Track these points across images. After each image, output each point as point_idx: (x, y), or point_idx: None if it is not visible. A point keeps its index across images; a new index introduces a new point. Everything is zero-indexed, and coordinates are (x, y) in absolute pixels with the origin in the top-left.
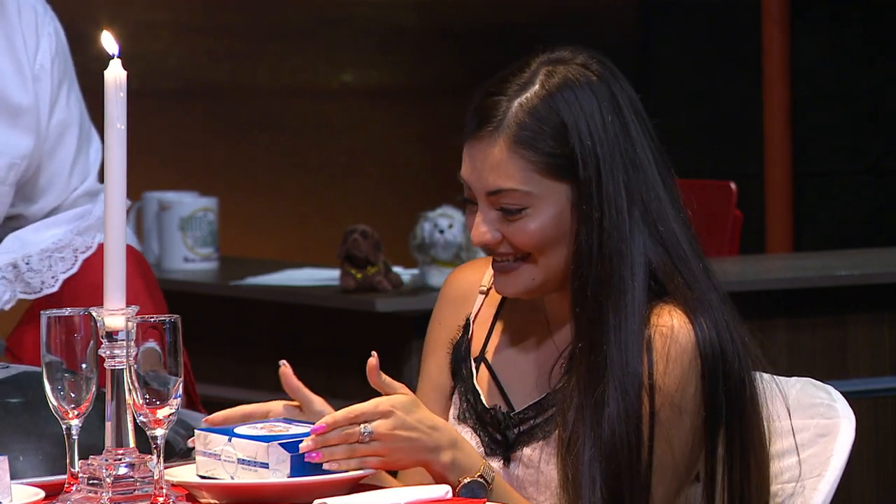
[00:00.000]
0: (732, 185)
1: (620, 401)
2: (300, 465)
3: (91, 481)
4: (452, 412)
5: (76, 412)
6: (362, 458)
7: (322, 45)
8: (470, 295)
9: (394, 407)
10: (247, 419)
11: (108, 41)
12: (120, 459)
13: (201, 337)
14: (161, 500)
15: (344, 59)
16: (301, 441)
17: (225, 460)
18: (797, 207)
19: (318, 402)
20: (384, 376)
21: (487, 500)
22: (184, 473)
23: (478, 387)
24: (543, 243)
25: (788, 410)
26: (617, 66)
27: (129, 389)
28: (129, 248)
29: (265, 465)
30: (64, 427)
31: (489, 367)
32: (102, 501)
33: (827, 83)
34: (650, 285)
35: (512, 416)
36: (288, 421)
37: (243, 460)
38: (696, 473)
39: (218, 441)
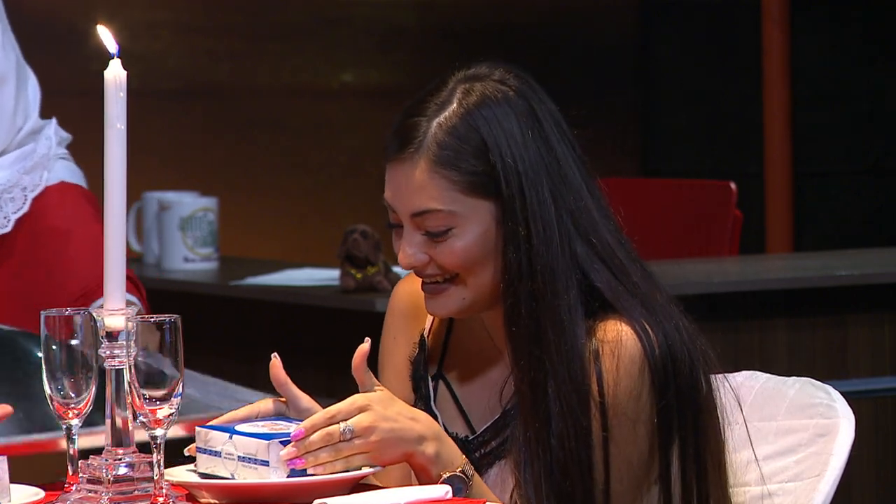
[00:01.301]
0: (732, 185)
1: (568, 417)
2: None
3: (91, 481)
4: None
5: (76, 412)
6: (347, 459)
7: (322, 45)
8: (421, 309)
9: (370, 401)
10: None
11: (107, 38)
12: (120, 459)
13: (201, 337)
14: (161, 500)
15: (344, 59)
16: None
17: (226, 458)
18: (797, 207)
19: (305, 399)
20: (368, 371)
21: (468, 497)
22: (184, 473)
23: (436, 409)
24: (471, 263)
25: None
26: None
27: (129, 389)
28: (81, 189)
29: (265, 463)
30: (64, 427)
31: (448, 386)
32: (102, 501)
33: (827, 83)
34: (589, 298)
35: (472, 441)
36: (289, 420)
37: (244, 458)
38: (654, 477)
39: (218, 439)
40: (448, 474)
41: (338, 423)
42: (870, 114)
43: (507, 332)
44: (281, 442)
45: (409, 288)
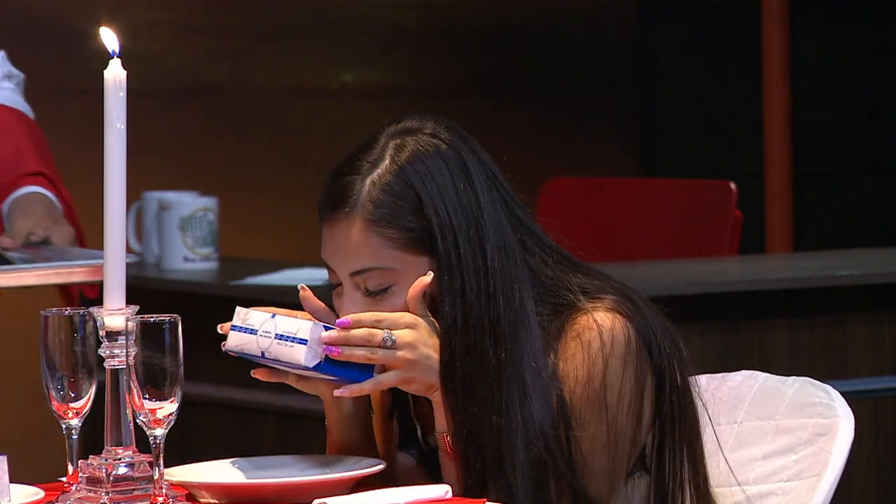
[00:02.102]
0: (732, 186)
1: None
2: (332, 358)
3: (91, 481)
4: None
5: (76, 412)
6: (378, 379)
7: (322, 45)
8: None
9: (418, 322)
10: None
11: (109, 38)
12: (120, 459)
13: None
14: (160, 499)
15: (344, 59)
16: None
17: (262, 335)
18: (797, 207)
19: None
20: (423, 302)
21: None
22: (184, 473)
23: (415, 420)
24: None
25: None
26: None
27: (129, 389)
28: (16, 111)
29: (304, 342)
30: (64, 427)
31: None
32: (102, 501)
33: (827, 83)
34: (550, 322)
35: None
36: (328, 326)
37: (281, 335)
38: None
39: (259, 318)
40: None
41: (383, 328)
42: (870, 114)
43: (442, 387)
44: (325, 327)
45: None
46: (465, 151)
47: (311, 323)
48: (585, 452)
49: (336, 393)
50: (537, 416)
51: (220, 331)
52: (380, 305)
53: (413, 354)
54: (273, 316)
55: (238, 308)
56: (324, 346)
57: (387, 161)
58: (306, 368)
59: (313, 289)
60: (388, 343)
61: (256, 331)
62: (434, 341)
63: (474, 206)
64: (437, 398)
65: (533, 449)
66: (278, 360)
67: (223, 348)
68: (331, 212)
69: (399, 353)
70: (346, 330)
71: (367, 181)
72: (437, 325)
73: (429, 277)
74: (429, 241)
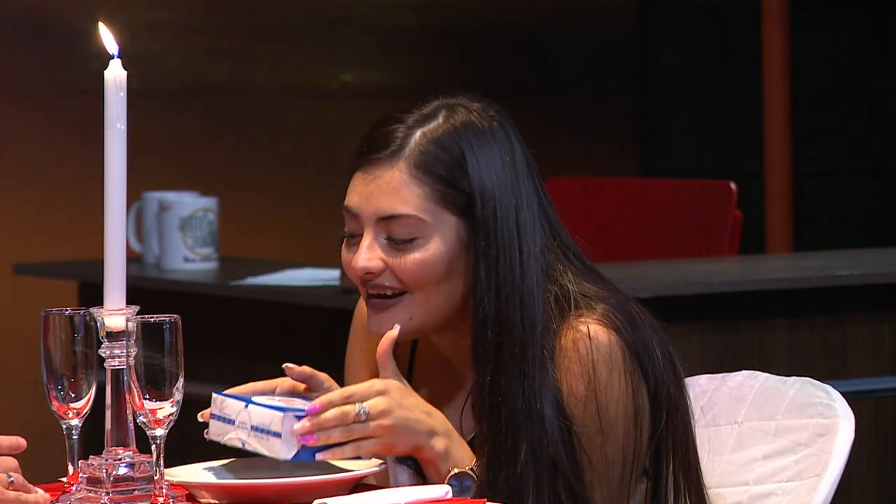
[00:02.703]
0: (732, 185)
1: (536, 432)
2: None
3: (91, 481)
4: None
5: (76, 412)
6: (358, 443)
7: (322, 45)
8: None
9: (388, 387)
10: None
11: (108, 39)
12: (120, 459)
13: (201, 337)
14: (161, 500)
15: (344, 59)
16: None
17: (239, 425)
18: (797, 207)
19: (324, 376)
20: (392, 358)
21: (475, 497)
22: (184, 473)
23: None
24: (427, 278)
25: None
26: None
27: (129, 389)
28: None
29: (277, 435)
30: (64, 427)
31: None
32: (102, 501)
33: (827, 83)
34: (557, 309)
35: None
36: (307, 398)
37: (256, 427)
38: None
39: (234, 407)
40: (457, 470)
41: (353, 403)
42: (870, 114)
43: (473, 352)
44: (296, 416)
45: None
46: (512, 136)
47: (282, 414)
48: (593, 460)
49: (318, 456)
50: (548, 414)
51: (199, 419)
52: (399, 257)
53: (389, 421)
54: (247, 405)
55: (214, 395)
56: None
57: (439, 119)
58: (287, 460)
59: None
60: (363, 417)
61: (234, 421)
62: (409, 401)
63: (515, 186)
64: (423, 455)
65: (547, 440)
66: (259, 452)
67: (206, 436)
68: (372, 154)
69: (373, 423)
70: (317, 416)
71: (417, 131)
72: (407, 384)
73: (395, 331)
74: (464, 204)
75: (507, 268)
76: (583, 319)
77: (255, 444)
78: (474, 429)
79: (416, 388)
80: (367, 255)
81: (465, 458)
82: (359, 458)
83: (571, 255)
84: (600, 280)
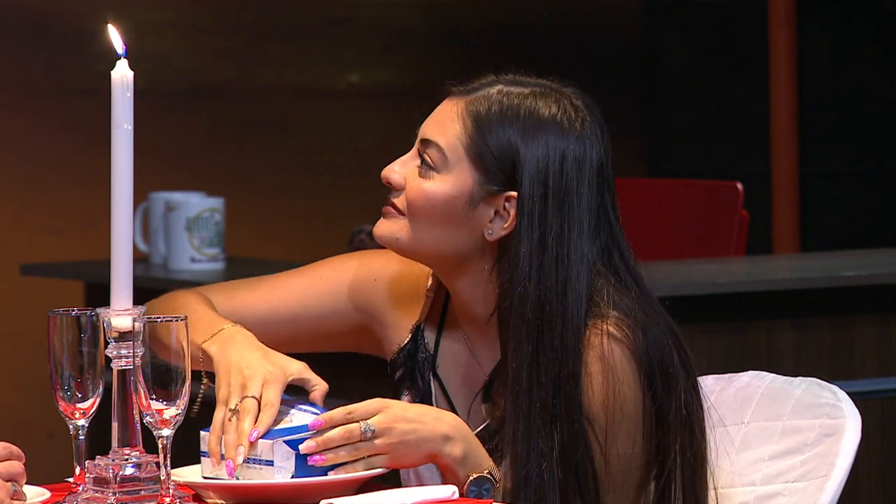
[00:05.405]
0: (739, 186)
1: (562, 417)
2: (305, 462)
3: (98, 482)
4: None
5: (83, 412)
6: (369, 461)
7: (328, 45)
8: (416, 295)
9: (388, 403)
10: None
11: (115, 38)
12: (126, 460)
13: None
14: (167, 500)
15: (350, 59)
16: (304, 438)
17: (230, 459)
18: (804, 208)
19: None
20: None
21: (494, 500)
22: (190, 474)
23: (437, 405)
24: (423, 211)
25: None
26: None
27: (136, 389)
28: None
29: (270, 463)
30: (71, 427)
31: (441, 385)
32: (109, 502)
33: (833, 84)
34: (590, 301)
35: None
36: (291, 404)
37: (248, 458)
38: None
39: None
40: (475, 475)
41: (356, 420)
42: (876, 114)
43: (509, 328)
44: (285, 442)
45: (407, 270)
46: (588, 145)
47: (272, 441)
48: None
49: (331, 474)
50: (575, 407)
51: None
52: (414, 182)
53: (395, 437)
54: None
55: (202, 433)
56: (308, 456)
57: (526, 91)
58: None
59: None
60: (368, 434)
61: (223, 455)
62: (413, 411)
63: (569, 184)
64: (440, 462)
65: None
66: (254, 482)
67: (201, 475)
68: (458, 86)
69: (379, 441)
70: (321, 433)
71: (499, 86)
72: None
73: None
74: (494, 171)
75: (552, 251)
76: (605, 323)
77: (249, 475)
78: (486, 418)
79: (442, 365)
80: (397, 167)
81: (483, 462)
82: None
83: (619, 262)
84: (639, 293)
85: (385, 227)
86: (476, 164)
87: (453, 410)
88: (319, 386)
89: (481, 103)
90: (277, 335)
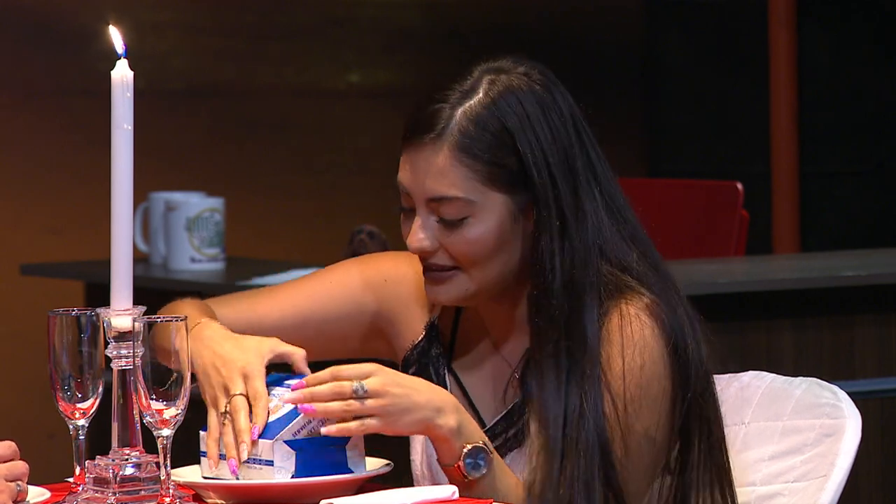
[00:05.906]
0: (739, 186)
1: (588, 403)
2: (305, 461)
3: (98, 482)
4: None
5: (83, 412)
6: (361, 421)
7: (328, 45)
8: (426, 298)
9: (380, 367)
10: None
11: (116, 38)
12: (127, 460)
13: None
14: (167, 500)
15: (350, 59)
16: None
17: (231, 458)
18: (804, 208)
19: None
20: None
21: (488, 471)
22: (190, 474)
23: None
24: (480, 255)
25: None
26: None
27: (136, 389)
28: None
29: (270, 463)
30: (71, 427)
31: (457, 380)
32: (109, 502)
33: (833, 84)
34: (611, 282)
35: (486, 433)
36: (277, 382)
37: (248, 458)
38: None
39: (223, 441)
40: (471, 446)
41: (343, 379)
42: (876, 114)
43: (537, 319)
44: (286, 442)
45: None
46: (557, 94)
47: (271, 441)
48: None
49: (324, 430)
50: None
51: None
52: (451, 236)
53: (387, 400)
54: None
55: (202, 433)
56: (308, 450)
57: (480, 94)
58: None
59: None
60: (360, 392)
61: (223, 455)
62: (406, 380)
63: (567, 143)
64: (433, 433)
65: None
66: (254, 482)
67: (201, 475)
68: (417, 135)
69: (371, 401)
70: (308, 388)
71: (458, 111)
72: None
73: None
74: (511, 179)
75: (574, 232)
76: (631, 304)
77: (250, 475)
78: (517, 400)
79: (458, 357)
80: (421, 234)
81: (475, 433)
82: (365, 457)
83: (623, 219)
84: (645, 253)
85: (449, 291)
86: (496, 185)
87: (471, 404)
88: (297, 354)
89: (460, 135)
90: (289, 342)
